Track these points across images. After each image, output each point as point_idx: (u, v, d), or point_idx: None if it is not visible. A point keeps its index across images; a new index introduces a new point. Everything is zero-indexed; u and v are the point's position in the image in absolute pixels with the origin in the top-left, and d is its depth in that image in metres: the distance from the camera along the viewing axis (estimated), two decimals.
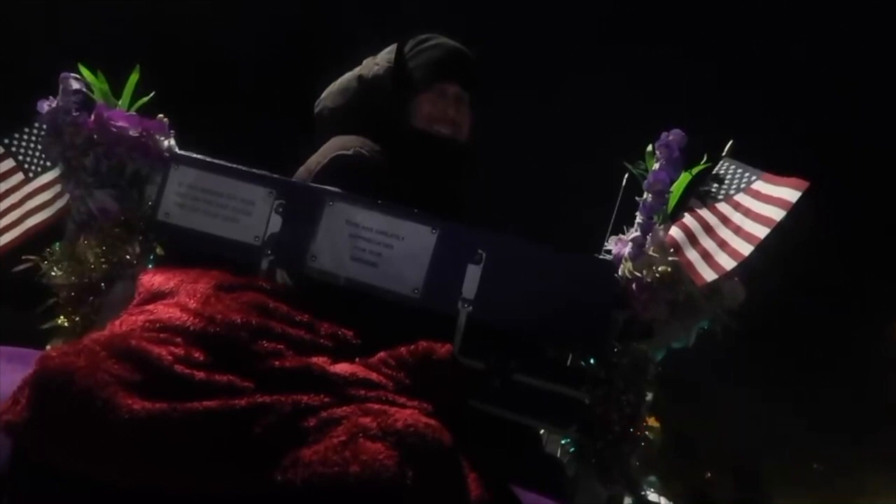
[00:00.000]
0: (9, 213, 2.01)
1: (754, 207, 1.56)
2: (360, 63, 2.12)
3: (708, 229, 1.57)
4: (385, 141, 1.96)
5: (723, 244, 1.54)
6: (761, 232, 1.51)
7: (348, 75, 2.11)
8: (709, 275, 1.53)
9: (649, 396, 1.67)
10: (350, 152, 1.93)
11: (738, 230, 1.56)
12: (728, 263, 1.51)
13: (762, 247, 1.53)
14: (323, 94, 2.13)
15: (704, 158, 1.75)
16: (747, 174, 1.63)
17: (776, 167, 1.66)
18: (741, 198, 1.60)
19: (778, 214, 1.49)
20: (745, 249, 1.50)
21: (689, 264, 1.55)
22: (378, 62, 2.09)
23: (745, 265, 1.54)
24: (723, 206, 1.61)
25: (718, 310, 1.68)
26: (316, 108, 2.13)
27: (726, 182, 1.65)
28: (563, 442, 1.67)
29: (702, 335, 1.72)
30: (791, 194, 1.50)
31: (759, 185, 1.60)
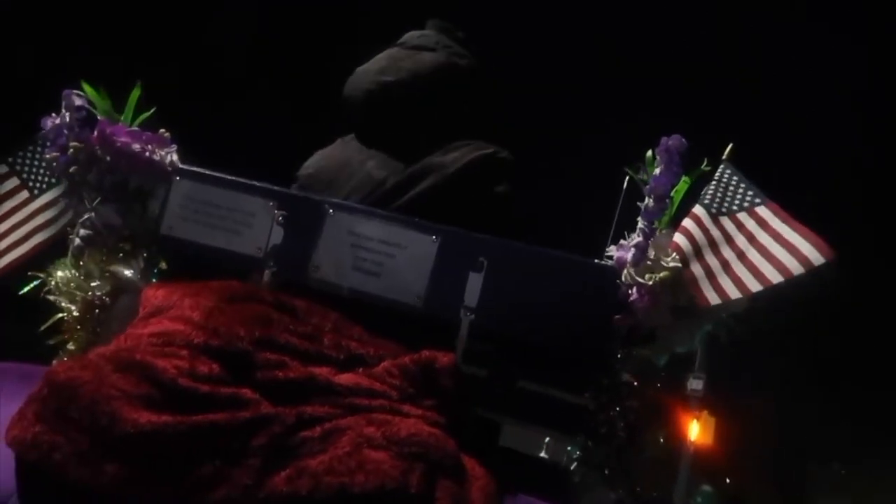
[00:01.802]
0: (14, 231, 2.02)
1: (762, 240, 1.58)
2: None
3: (712, 244, 1.59)
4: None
5: (726, 266, 1.57)
6: (775, 278, 1.54)
7: (427, 57, 1.96)
8: (713, 298, 1.56)
9: (698, 385, 1.69)
10: (505, 155, 1.90)
11: (741, 256, 1.58)
12: (733, 293, 1.54)
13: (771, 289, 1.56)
14: (381, 66, 1.97)
15: (705, 163, 1.75)
16: (749, 192, 1.65)
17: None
18: (744, 218, 1.62)
19: (797, 270, 1.52)
20: (754, 287, 1.53)
21: (694, 281, 1.57)
22: (449, 47, 1.99)
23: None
24: (726, 223, 1.62)
25: (722, 315, 1.68)
26: (382, 81, 1.94)
27: (729, 193, 1.66)
28: (568, 449, 1.67)
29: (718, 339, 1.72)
30: (816, 258, 1.52)
31: (766, 215, 1.62)
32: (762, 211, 1.61)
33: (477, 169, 1.87)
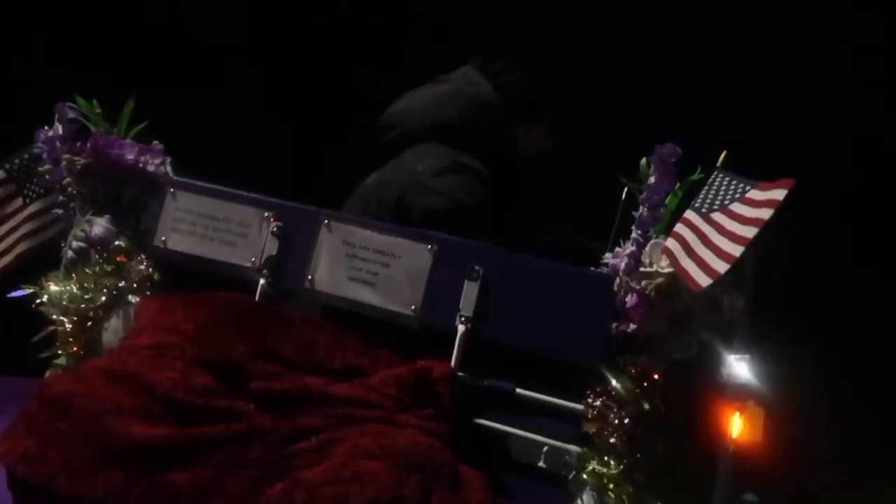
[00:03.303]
0: (6, 237, 2.02)
1: (746, 213, 1.56)
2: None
3: (703, 238, 1.57)
4: (497, 165, 1.99)
5: (717, 251, 1.54)
6: (749, 232, 1.50)
7: (447, 89, 2.09)
8: (703, 280, 1.51)
9: (741, 369, 1.64)
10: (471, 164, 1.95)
11: (732, 236, 1.56)
12: (721, 267, 1.49)
13: (753, 246, 1.51)
14: (410, 105, 2.10)
15: (699, 170, 1.75)
16: (742, 185, 1.63)
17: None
18: (735, 206, 1.60)
19: (766, 213, 1.49)
20: (735, 250, 1.49)
21: (685, 272, 1.55)
22: (473, 80, 2.09)
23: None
24: (718, 216, 1.60)
25: (718, 321, 1.68)
26: (397, 119, 2.09)
27: (721, 193, 1.65)
28: (565, 458, 1.66)
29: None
30: (779, 193, 1.49)
31: (753, 194, 1.60)
32: (751, 193, 1.58)
33: (434, 219, 1.90)
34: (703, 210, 1.61)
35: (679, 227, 1.63)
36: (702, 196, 1.66)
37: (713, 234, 1.57)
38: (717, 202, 1.62)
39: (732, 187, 1.63)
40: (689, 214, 1.64)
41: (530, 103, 2.14)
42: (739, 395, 1.81)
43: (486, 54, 2.18)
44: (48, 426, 1.47)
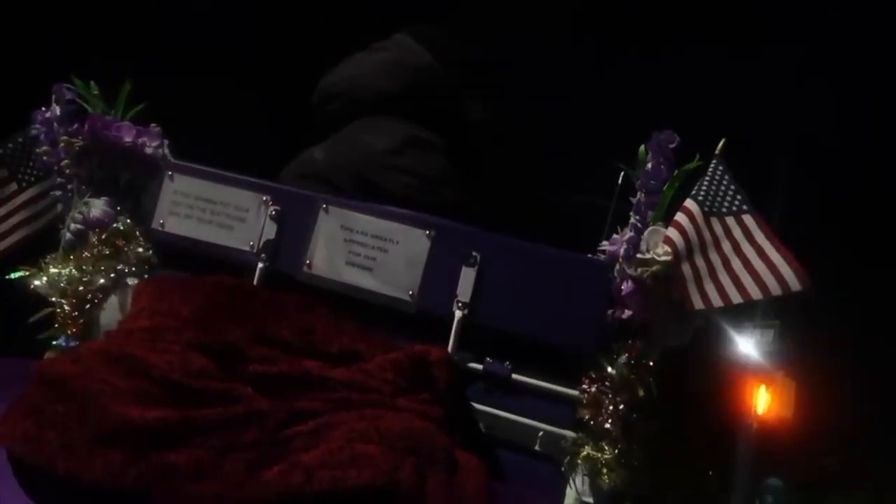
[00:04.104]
0: (2, 222, 2.02)
1: (746, 251, 1.64)
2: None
3: (702, 245, 1.65)
4: (447, 134, 1.95)
5: (712, 272, 1.62)
6: (755, 293, 1.61)
7: (386, 57, 2.02)
8: (697, 303, 1.60)
9: (768, 338, 1.73)
10: (425, 136, 1.91)
11: (726, 264, 1.63)
12: (716, 301, 1.60)
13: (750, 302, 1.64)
14: (351, 73, 2.03)
15: (697, 157, 1.75)
16: (738, 197, 1.69)
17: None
18: (732, 224, 1.67)
19: (775, 290, 1.61)
20: (735, 298, 1.61)
21: (682, 281, 1.61)
22: (411, 48, 2.03)
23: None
24: (715, 224, 1.66)
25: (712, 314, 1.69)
26: (340, 88, 2.03)
27: (720, 192, 1.70)
28: (561, 442, 1.67)
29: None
30: (794, 284, 1.61)
31: (751, 225, 1.67)
32: (748, 220, 1.68)
33: (405, 198, 1.88)
34: (705, 208, 1.65)
35: (681, 218, 1.64)
36: (704, 188, 1.68)
37: (710, 245, 1.65)
38: (715, 205, 1.67)
39: (731, 194, 1.69)
40: (691, 205, 1.65)
41: (473, 68, 2.07)
42: (765, 368, 1.86)
43: (421, 19, 2.11)
44: (46, 407, 1.48)
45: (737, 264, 1.63)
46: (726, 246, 1.64)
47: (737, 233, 1.66)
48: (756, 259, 1.63)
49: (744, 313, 1.69)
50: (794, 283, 1.61)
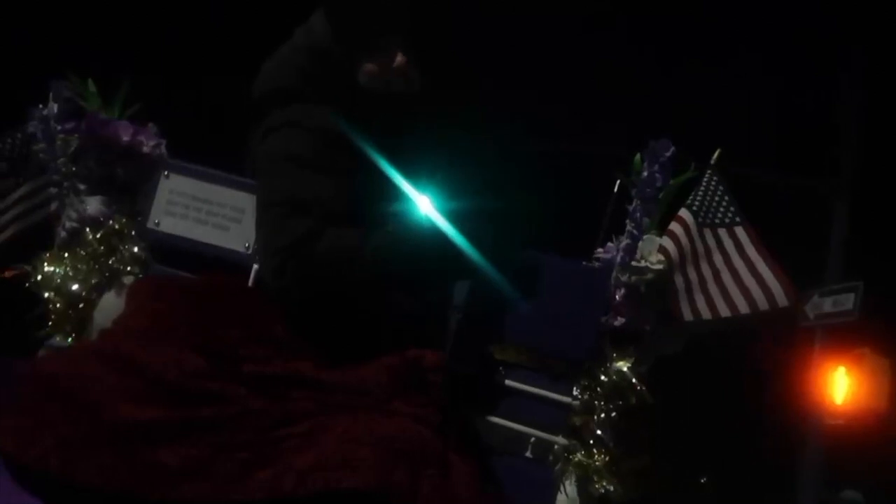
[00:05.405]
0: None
1: (736, 264, 1.68)
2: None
3: (694, 256, 1.67)
4: (344, 106, 1.84)
5: (703, 284, 1.66)
6: (743, 308, 1.66)
7: (286, 49, 1.87)
8: (686, 314, 1.64)
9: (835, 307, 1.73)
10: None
11: (716, 277, 1.67)
12: (705, 314, 1.64)
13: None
14: (265, 75, 1.87)
15: (692, 167, 1.77)
16: (731, 209, 1.72)
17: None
18: (724, 235, 1.69)
19: (763, 306, 1.65)
20: (724, 312, 1.65)
21: (674, 292, 1.63)
22: (314, 28, 1.87)
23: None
24: (708, 235, 1.69)
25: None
26: (263, 89, 1.85)
27: (714, 204, 1.72)
28: (553, 447, 1.68)
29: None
30: (782, 301, 1.65)
31: (742, 238, 1.69)
32: (740, 232, 1.70)
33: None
34: (699, 219, 1.67)
35: (676, 228, 1.66)
36: (699, 199, 1.70)
37: (702, 256, 1.68)
38: (709, 216, 1.69)
39: (724, 206, 1.71)
40: (686, 215, 1.67)
41: (365, 33, 1.92)
42: (844, 343, 1.84)
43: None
44: (40, 406, 1.47)
45: (727, 277, 1.66)
46: (717, 259, 1.67)
47: (728, 245, 1.68)
48: (746, 273, 1.66)
49: (735, 324, 1.72)
50: (782, 299, 1.64)
